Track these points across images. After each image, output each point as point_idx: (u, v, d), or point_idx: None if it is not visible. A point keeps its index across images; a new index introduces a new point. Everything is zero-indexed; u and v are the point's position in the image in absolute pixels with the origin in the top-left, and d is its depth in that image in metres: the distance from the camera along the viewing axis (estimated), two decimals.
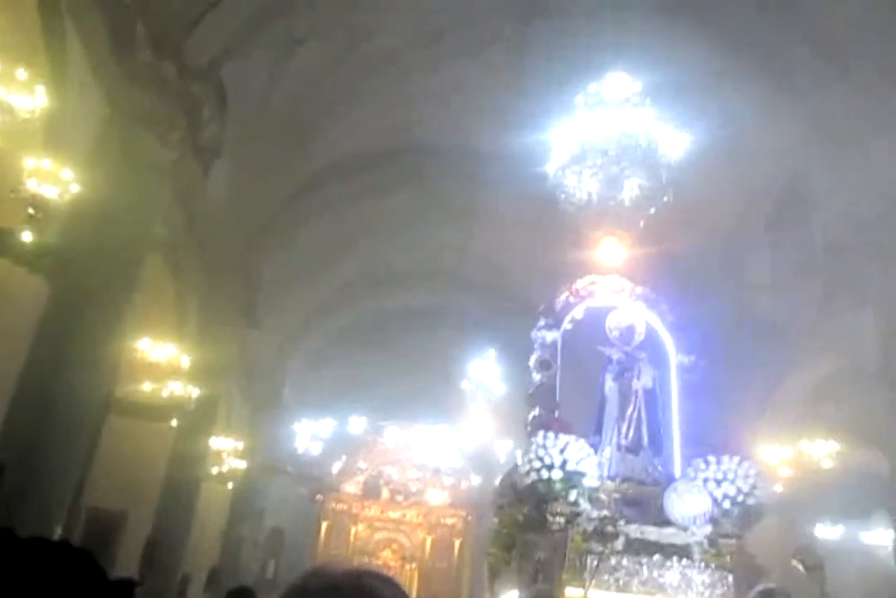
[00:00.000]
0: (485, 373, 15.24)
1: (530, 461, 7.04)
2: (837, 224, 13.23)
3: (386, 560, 26.20)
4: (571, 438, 7.13)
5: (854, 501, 12.74)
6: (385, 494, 26.79)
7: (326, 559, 25.44)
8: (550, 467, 6.93)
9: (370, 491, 26.75)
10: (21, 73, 5.57)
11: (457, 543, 25.86)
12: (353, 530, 26.36)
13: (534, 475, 6.97)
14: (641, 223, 7.88)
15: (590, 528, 6.87)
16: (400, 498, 26.69)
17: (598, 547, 6.74)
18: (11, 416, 7.71)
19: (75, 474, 9.09)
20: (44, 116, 6.22)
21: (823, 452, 11.78)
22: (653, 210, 7.72)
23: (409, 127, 15.22)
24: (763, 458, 12.78)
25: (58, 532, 8.51)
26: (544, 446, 7.06)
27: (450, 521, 26.27)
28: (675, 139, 7.63)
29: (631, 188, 7.52)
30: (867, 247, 12.68)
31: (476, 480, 25.19)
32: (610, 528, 6.92)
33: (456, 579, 25.33)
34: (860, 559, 12.02)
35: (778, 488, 12.46)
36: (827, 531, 12.35)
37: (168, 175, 10.41)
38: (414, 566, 26.12)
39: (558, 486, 6.91)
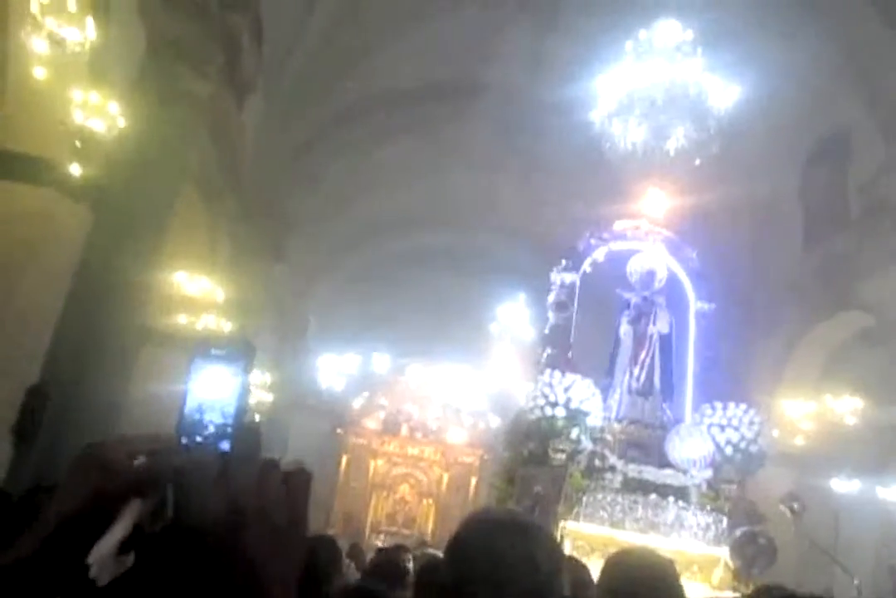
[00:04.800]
0: (513, 316, 15.35)
1: (535, 398, 7.17)
2: (881, 181, 12.92)
3: (403, 495, 26.91)
4: (578, 377, 7.24)
5: (873, 456, 12.85)
6: (404, 430, 27.27)
7: (347, 492, 26.27)
8: (554, 405, 7.07)
9: (390, 427, 27.23)
10: (72, 5, 5.52)
11: (473, 481, 26.42)
12: (372, 464, 26.98)
13: (538, 412, 7.13)
14: (684, 174, 7.78)
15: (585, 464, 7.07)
16: (419, 435, 27.18)
17: (590, 483, 6.93)
18: (55, 344, 7.94)
19: (116, 403, 9.37)
20: (89, 48, 6.19)
21: (847, 408, 11.81)
22: (697, 161, 7.61)
23: (447, 66, 14.82)
24: (785, 411, 12.89)
25: None
26: (550, 385, 7.19)
27: (467, 460, 26.78)
28: (724, 89, 7.45)
29: (677, 139, 7.40)
30: None
31: (495, 421, 25.55)
32: (598, 462, 7.11)
33: None
34: (875, 513, 12.22)
35: (798, 440, 12.59)
36: (843, 485, 12.53)
37: (205, 108, 10.37)
38: (430, 501, 26.79)
39: (561, 423, 7.07)
